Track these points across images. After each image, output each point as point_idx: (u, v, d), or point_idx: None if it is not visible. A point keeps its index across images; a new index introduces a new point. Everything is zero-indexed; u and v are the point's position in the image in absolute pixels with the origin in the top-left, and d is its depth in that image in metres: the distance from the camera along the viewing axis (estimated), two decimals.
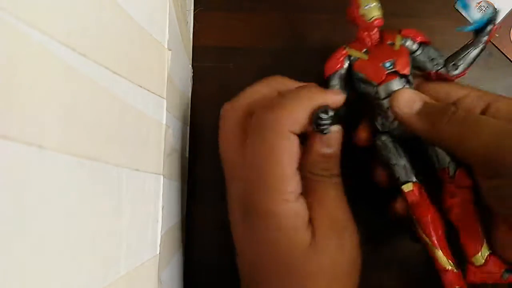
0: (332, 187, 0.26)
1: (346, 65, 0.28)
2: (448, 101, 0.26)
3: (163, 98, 0.23)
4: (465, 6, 0.27)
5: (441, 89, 0.27)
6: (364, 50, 0.27)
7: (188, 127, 0.34)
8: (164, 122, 0.23)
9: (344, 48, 0.28)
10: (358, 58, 0.27)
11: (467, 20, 0.35)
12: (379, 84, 0.26)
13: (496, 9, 0.26)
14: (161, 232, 0.22)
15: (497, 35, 0.35)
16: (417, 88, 0.27)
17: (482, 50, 0.27)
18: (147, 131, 0.20)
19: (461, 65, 0.27)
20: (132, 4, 0.17)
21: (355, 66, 0.27)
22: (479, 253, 0.25)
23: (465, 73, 0.27)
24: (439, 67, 0.27)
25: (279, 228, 0.24)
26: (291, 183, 0.24)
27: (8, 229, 0.10)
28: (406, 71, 0.26)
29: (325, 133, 0.25)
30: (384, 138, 0.27)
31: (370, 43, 0.27)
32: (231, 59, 0.35)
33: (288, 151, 0.24)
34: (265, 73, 0.35)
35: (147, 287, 0.20)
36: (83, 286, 0.14)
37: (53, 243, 0.12)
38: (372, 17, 0.26)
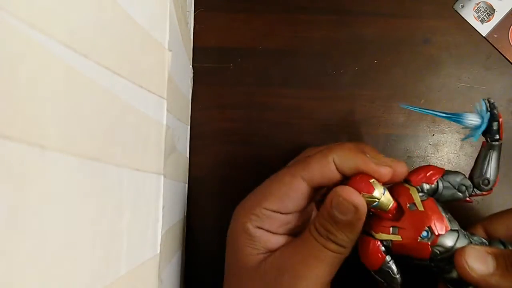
0: (318, 248, 0.24)
1: (386, 255, 0.25)
2: None
3: (164, 98, 0.23)
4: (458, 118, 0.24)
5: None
6: (391, 228, 0.24)
7: (188, 127, 0.34)
8: (164, 122, 0.23)
9: (374, 238, 0.24)
10: (392, 240, 0.24)
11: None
12: (430, 257, 0.23)
13: (489, 101, 0.24)
14: (161, 231, 0.22)
15: (495, 36, 0.35)
16: (484, 228, 0.25)
17: (500, 147, 0.24)
18: (148, 131, 0.20)
19: (491, 177, 0.24)
20: (133, 5, 0.17)
21: (393, 249, 0.24)
22: None
23: (497, 181, 0.24)
24: (471, 191, 0.24)
25: (234, 242, 0.27)
26: (260, 216, 0.26)
27: (9, 229, 0.10)
28: (446, 227, 0.23)
29: None
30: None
31: (391, 216, 0.24)
32: (231, 59, 0.35)
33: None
34: (265, 73, 0.35)
35: (147, 286, 0.20)
36: (84, 286, 0.14)
37: (53, 243, 0.12)
38: (389, 206, 0.23)
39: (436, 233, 0.23)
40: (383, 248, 0.24)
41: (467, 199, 0.25)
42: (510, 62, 0.35)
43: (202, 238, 0.34)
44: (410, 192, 0.24)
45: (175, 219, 0.28)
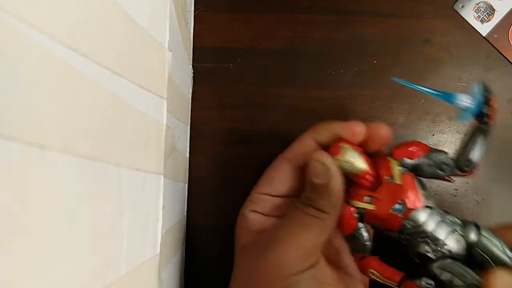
0: (303, 216, 0.24)
1: (359, 221, 0.25)
2: None
3: (164, 98, 0.23)
4: (450, 97, 0.23)
5: None
6: (366, 197, 0.25)
7: (188, 127, 0.34)
8: (164, 122, 0.23)
9: (349, 204, 0.25)
10: (368, 210, 0.25)
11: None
12: (399, 229, 0.24)
13: (483, 84, 0.23)
14: (161, 231, 0.22)
15: (495, 36, 0.35)
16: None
17: (487, 132, 0.23)
18: (148, 131, 0.20)
19: (473, 158, 0.24)
20: (133, 5, 0.17)
21: (366, 218, 0.25)
22: None
23: (479, 165, 0.24)
24: (450, 170, 0.24)
25: (236, 227, 0.29)
26: (253, 200, 0.28)
27: (9, 229, 0.10)
28: (421, 203, 0.24)
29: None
30: (440, 262, 0.24)
31: (369, 184, 0.25)
32: (231, 59, 0.35)
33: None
34: (265, 73, 0.35)
35: (147, 286, 0.20)
36: (84, 286, 0.14)
37: (53, 243, 0.12)
38: (359, 171, 0.24)
39: (409, 207, 0.24)
40: (356, 215, 0.25)
41: (447, 178, 0.25)
42: (510, 62, 0.35)
43: (202, 238, 0.34)
44: (390, 164, 0.25)
45: (175, 219, 0.28)
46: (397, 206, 0.24)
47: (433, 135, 0.35)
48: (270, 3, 0.35)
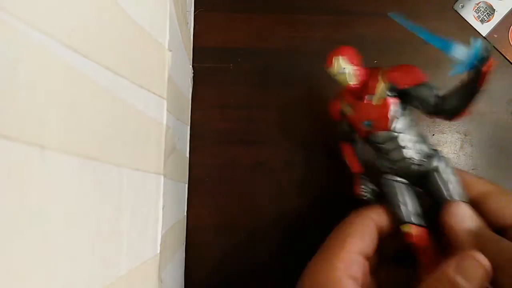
0: None
1: (341, 118, 0.28)
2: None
3: (164, 98, 0.23)
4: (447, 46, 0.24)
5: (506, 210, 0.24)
6: (347, 104, 0.27)
7: (188, 127, 0.34)
8: (164, 122, 0.23)
9: (337, 100, 0.28)
10: (347, 114, 0.27)
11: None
12: (365, 138, 0.27)
13: (484, 43, 0.23)
14: (161, 231, 0.22)
15: (495, 36, 0.35)
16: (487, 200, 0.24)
17: (477, 88, 0.23)
18: (148, 131, 0.20)
19: (454, 103, 0.24)
20: (133, 5, 0.17)
21: (348, 117, 0.28)
22: None
23: (462, 114, 0.24)
24: (430, 110, 0.25)
25: None
26: (348, 261, 0.23)
27: (9, 229, 0.10)
28: (387, 128, 0.25)
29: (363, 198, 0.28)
30: (388, 177, 0.26)
31: (356, 95, 0.27)
32: (231, 59, 0.35)
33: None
34: (265, 73, 0.35)
35: (147, 286, 0.20)
36: (84, 286, 0.14)
37: (53, 243, 0.12)
38: (345, 83, 0.26)
39: (376, 128, 0.26)
40: (340, 110, 0.28)
41: (427, 115, 0.25)
42: (510, 62, 0.35)
43: (202, 238, 0.34)
44: (377, 84, 0.26)
45: (175, 219, 0.28)
46: (366, 122, 0.26)
47: (433, 135, 0.35)
48: (270, 3, 0.35)
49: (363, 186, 0.28)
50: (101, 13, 0.14)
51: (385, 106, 0.25)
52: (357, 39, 0.35)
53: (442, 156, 0.26)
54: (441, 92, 0.25)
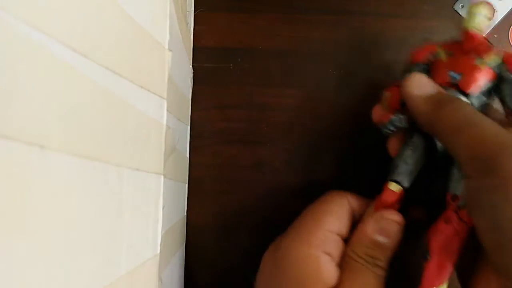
0: (372, 276, 0.23)
1: (427, 60, 0.27)
2: None
3: (164, 98, 0.23)
4: None
5: None
6: (450, 52, 0.26)
7: (188, 127, 0.34)
8: (164, 122, 0.23)
9: (436, 44, 0.27)
10: (439, 58, 0.26)
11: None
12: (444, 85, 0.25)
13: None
14: (161, 231, 0.22)
15: (495, 36, 0.35)
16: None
17: None
18: (148, 131, 0.20)
19: None
20: (133, 5, 0.17)
21: (437, 61, 0.26)
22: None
23: None
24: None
25: (291, 274, 0.24)
26: (324, 239, 0.24)
27: (9, 229, 0.10)
28: (470, 90, 0.24)
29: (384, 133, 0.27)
30: (415, 138, 0.26)
31: (464, 47, 0.25)
32: (231, 59, 0.35)
33: (335, 213, 0.25)
34: (265, 73, 0.35)
35: (147, 286, 0.20)
36: (84, 286, 0.14)
37: (53, 243, 0.12)
38: (473, 27, 0.25)
39: (461, 84, 0.24)
40: (434, 52, 0.27)
41: (506, 110, 0.25)
42: None
43: (202, 238, 0.34)
44: (491, 53, 0.25)
45: (175, 219, 0.28)
46: (455, 73, 0.25)
47: None
48: (270, 3, 0.35)
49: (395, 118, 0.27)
50: (101, 13, 0.14)
51: (487, 73, 0.24)
52: (357, 39, 0.35)
53: None
54: None
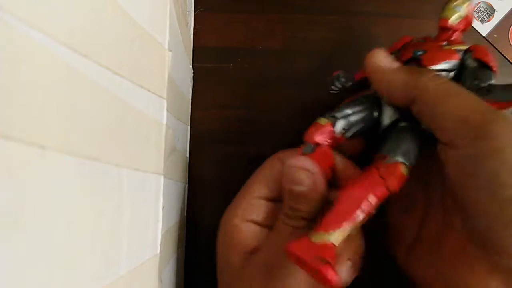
0: (289, 232, 0.23)
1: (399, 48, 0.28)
2: None
3: (164, 98, 0.23)
4: None
5: None
6: (424, 40, 0.27)
7: (188, 127, 0.34)
8: (164, 122, 0.23)
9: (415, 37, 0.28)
10: (411, 43, 0.27)
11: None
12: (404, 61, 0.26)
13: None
14: (161, 231, 0.22)
15: (495, 36, 0.35)
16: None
17: None
18: (148, 131, 0.20)
19: (497, 92, 0.23)
20: (133, 5, 0.17)
21: (402, 51, 0.27)
22: (326, 234, 0.20)
23: (505, 106, 0.23)
24: (473, 88, 0.23)
25: (223, 242, 0.26)
26: (247, 207, 0.25)
27: (9, 229, 0.10)
28: (432, 66, 0.24)
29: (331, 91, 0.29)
30: (372, 101, 0.26)
31: (444, 38, 0.26)
32: (231, 59, 0.35)
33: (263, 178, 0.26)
34: (265, 73, 0.35)
35: (147, 286, 0.20)
36: (84, 286, 0.14)
37: (53, 243, 0.12)
38: (447, 19, 0.26)
39: (424, 60, 0.25)
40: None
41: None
42: (510, 62, 0.35)
43: (202, 238, 0.34)
44: (461, 44, 0.25)
45: (175, 219, 0.28)
46: (420, 51, 0.25)
47: None
48: (270, 3, 0.35)
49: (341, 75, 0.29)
50: (101, 13, 0.14)
51: (447, 52, 0.25)
52: (357, 39, 0.35)
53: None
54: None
